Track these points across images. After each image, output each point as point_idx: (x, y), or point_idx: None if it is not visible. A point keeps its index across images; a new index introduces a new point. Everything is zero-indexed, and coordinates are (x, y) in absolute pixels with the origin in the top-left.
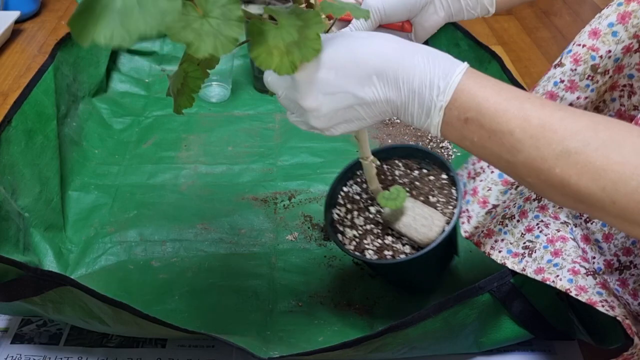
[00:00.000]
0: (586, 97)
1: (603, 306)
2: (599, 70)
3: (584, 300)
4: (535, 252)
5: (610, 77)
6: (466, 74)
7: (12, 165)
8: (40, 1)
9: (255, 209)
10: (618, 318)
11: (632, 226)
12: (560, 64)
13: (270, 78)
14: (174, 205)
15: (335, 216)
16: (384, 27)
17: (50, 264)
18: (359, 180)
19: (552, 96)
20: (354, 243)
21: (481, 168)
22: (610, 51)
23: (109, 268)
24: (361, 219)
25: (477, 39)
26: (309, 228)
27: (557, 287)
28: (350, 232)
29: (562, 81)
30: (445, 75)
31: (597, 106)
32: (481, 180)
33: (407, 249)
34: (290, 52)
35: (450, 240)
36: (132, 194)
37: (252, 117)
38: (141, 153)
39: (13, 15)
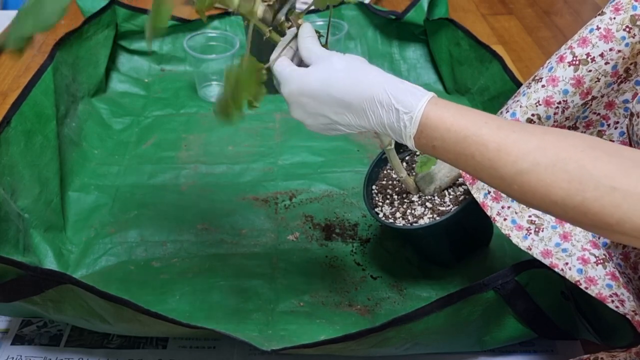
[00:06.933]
0: (619, 51)
1: (613, 301)
2: (638, 23)
3: (593, 294)
4: (542, 230)
5: None
6: (428, 107)
7: (11, 166)
8: None
9: (256, 209)
10: (627, 316)
11: (591, 229)
12: (602, 13)
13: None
14: (175, 205)
15: (374, 189)
16: None
17: (50, 265)
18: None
19: (584, 42)
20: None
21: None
22: None
23: (110, 269)
24: (395, 195)
25: (478, 39)
26: (310, 228)
27: (567, 277)
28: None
29: (598, 28)
30: (409, 110)
31: (628, 68)
32: None
33: (426, 220)
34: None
35: (470, 220)
36: (132, 194)
37: (252, 116)
38: (141, 153)
39: (12, 14)
